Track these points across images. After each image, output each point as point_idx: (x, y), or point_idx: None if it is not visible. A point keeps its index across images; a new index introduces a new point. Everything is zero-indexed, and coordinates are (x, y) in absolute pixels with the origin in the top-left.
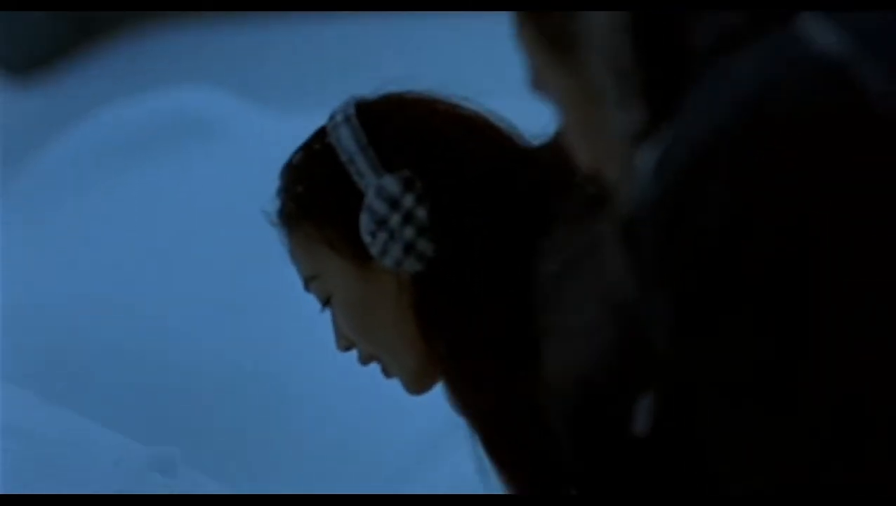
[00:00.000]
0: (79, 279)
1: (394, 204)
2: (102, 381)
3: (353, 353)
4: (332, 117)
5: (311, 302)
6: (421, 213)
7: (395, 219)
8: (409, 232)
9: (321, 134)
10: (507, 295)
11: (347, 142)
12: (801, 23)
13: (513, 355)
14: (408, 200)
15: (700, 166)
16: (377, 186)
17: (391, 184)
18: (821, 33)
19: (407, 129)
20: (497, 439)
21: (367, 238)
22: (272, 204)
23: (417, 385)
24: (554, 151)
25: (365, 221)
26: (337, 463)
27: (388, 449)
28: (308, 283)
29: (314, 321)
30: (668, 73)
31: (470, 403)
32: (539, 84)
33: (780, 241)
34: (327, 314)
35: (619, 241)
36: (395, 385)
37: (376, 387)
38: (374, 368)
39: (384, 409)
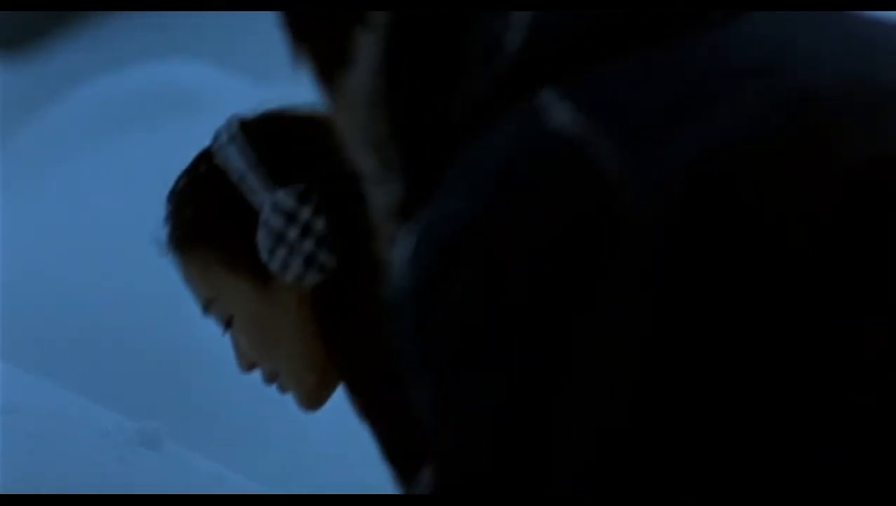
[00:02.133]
0: (65, 254)
1: (291, 218)
2: (90, 356)
3: None
4: (216, 139)
5: None
6: (319, 224)
7: (293, 232)
8: (308, 244)
9: (206, 157)
10: None
11: (237, 161)
12: (542, 99)
13: None
14: (304, 213)
15: (445, 262)
16: (272, 202)
17: (286, 198)
18: (560, 112)
19: (294, 142)
20: (399, 442)
21: (265, 255)
22: (159, 231)
23: (313, 401)
24: None
25: (262, 238)
26: (325, 439)
27: None
28: (207, 306)
29: None
30: (424, 150)
31: (373, 408)
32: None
33: (522, 340)
34: None
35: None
36: None
37: None
38: None
39: None
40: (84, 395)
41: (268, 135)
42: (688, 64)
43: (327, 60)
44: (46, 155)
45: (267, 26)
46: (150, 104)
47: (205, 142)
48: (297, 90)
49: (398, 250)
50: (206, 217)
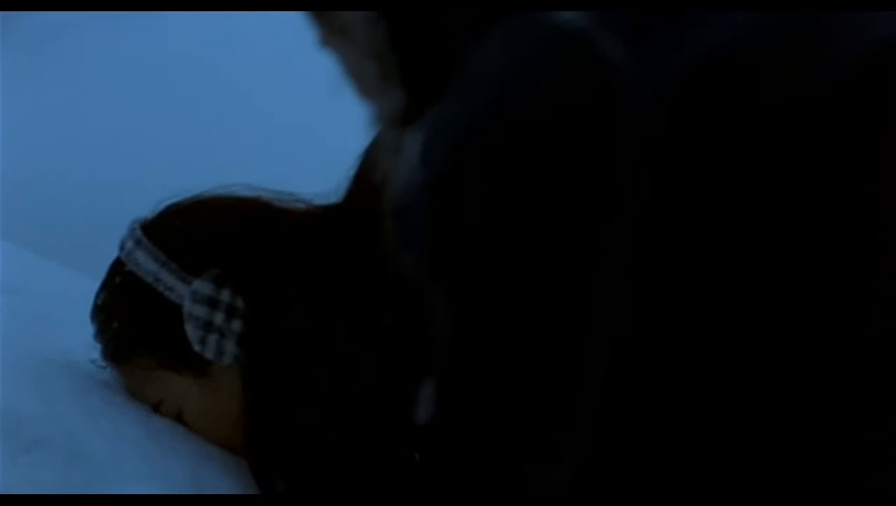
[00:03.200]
0: (73, 134)
1: (213, 303)
2: (97, 237)
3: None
4: (122, 247)
5: (302, 158)
6: (241, 302)
7: (218, 317)
8: (237, 324)
9: (117, 267)
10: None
11: (147, 263)
12: None
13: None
14: (225, 295)
15: (458, 154)
16: (191, 293)
17: (203, 286)
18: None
19: (197, 231)
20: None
21: (197, 346)
22: (96, 351)
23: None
24: (346, 203)
25: (191, 330)
26: None
27: None
28: (156, 409)
29: (306, 175)
30: (427, 57)
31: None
32: (324, 44)
33: (533, 226)
34: (326, 160)
35: (392, 230)
36: None
37: None
38: None
39: None
40: (87, 274)
41: (170, 230)
42: None
43: None
44: (48, 36)
45: None
46: None
47: (203, 25)
48: None
49: (406, 152)
50: (132, 327)
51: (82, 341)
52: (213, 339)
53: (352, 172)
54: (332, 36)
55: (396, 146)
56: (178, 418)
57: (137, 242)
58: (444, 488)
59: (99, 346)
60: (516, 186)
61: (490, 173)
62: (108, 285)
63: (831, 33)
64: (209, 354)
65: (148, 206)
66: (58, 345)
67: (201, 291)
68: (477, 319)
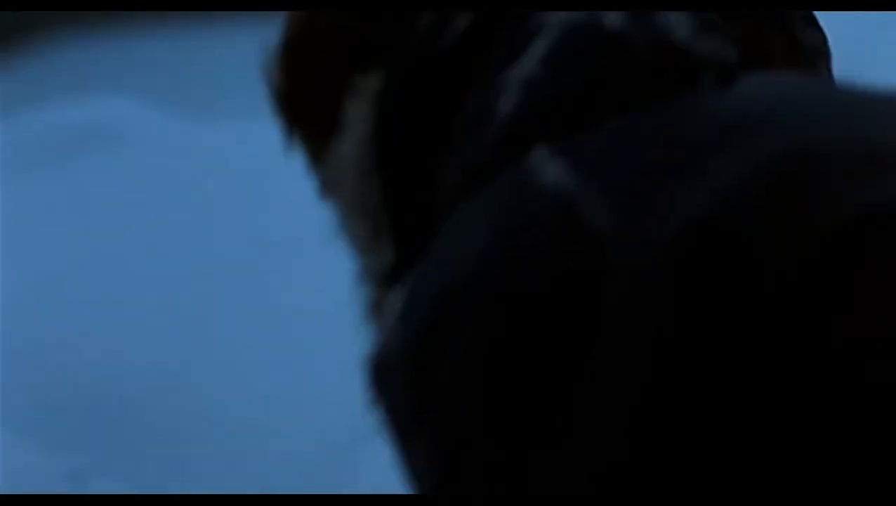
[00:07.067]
0: None
1: None
2: (15, 389)
3: (268, 364)
4: None
5: (225, 315)
6: None
7: None
8: None
9: None
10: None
11: None
12: (534, 157)
13: None
14: None
15: (437, 319)
16: None
17: None
18: (551, 169)
19: None
20: None
21: None
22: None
23: None
24: None
25: None
26: (250, 467)
27: (299, 457)
28: None
29: (229, 333)
30: (416, 215)
31: None
32: (322, 197)
33: (515, 399)
34: (244, 327)
35: (370, 385)
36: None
37: (291, 399)
38: (290, 378)
39: (298, 419)
40: (9, 429)
41: None
42: (677, 125)
43: (320, 130)
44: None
45: (195, 61)
46: (73, 141)
47: (126, 177)
48: (225, 127)
49: (387, 311)
50: None
51: None
52: None
53: None
54: (330, 190)
55: (381, 305)
56: None
57: None
58: None
59: None
60: (494, 358)
61: (468, 341)
62: None
63: (817, 197)
64: None
65: (63, 370)
66: None
67: None
68: (456, 474)
